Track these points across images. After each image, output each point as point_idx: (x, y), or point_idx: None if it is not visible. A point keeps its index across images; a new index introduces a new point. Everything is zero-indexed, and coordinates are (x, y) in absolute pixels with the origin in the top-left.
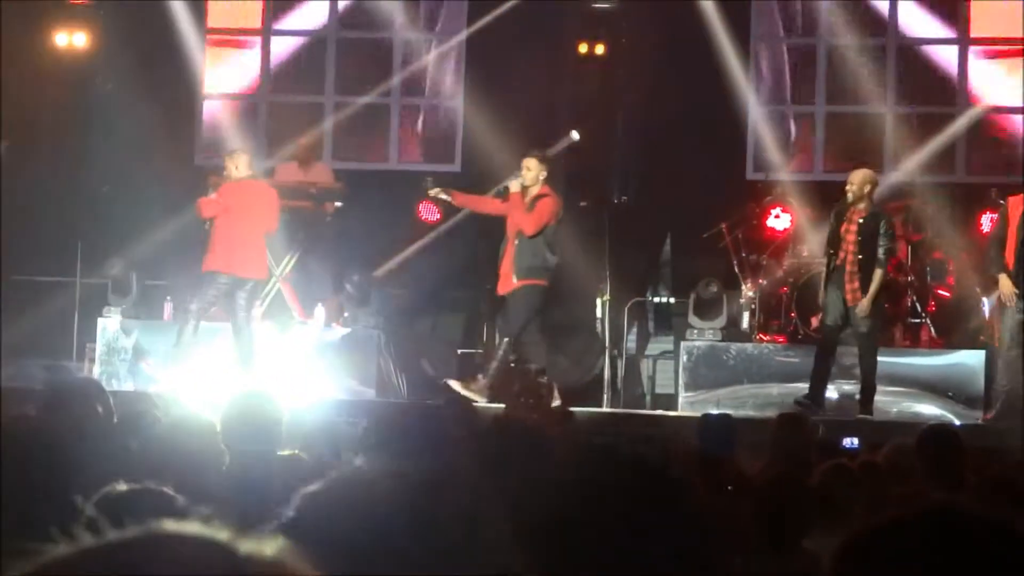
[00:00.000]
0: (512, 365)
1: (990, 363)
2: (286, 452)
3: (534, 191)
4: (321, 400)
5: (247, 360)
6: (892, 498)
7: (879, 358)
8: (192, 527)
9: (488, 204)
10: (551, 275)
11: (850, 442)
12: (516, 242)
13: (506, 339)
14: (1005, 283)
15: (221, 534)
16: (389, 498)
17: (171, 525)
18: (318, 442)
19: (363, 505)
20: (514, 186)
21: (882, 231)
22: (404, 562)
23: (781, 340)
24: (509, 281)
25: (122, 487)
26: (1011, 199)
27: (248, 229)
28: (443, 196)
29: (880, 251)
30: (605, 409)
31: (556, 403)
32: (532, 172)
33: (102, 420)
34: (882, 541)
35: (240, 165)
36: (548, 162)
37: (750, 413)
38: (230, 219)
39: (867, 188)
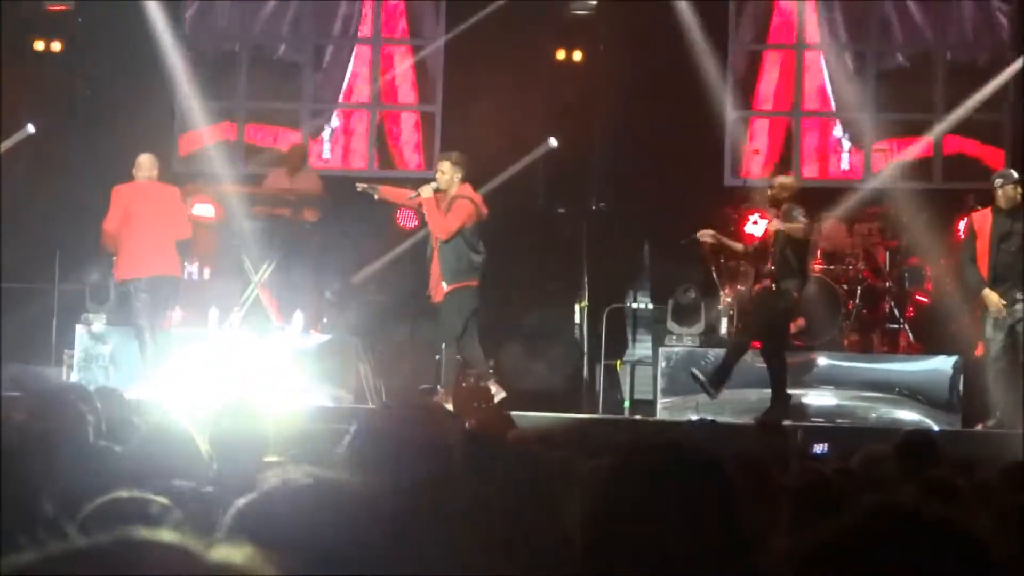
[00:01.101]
0: (462, 370)
1: (965, 369)
2: (272, 459)
3: (452, 193)
4: (304, 407)
5: (153, 363)
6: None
7: (858, 364)
8: (163, 534)
9: (404, 197)
10: (479, 273)
11: (820, 448)
12: (438, 247)
13: (447, 346)
14: (992, 297)
15: (192, 541)
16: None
17: (142, 532)
18: (304, 450)
19: (292, 514)
20: (425, 191)
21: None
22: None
23: (758, 346)
24: (440, 288)
25: (94, 492)
26: (975, 215)
27: (152, 230)
28: (369, 191)
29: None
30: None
31: (500, 395)
32: (446, 175)
33: (91, 426)
34: (837, 542)
35: (141, 168)
36: (462, 164)
37: (728, 419)
38: (132, 223)
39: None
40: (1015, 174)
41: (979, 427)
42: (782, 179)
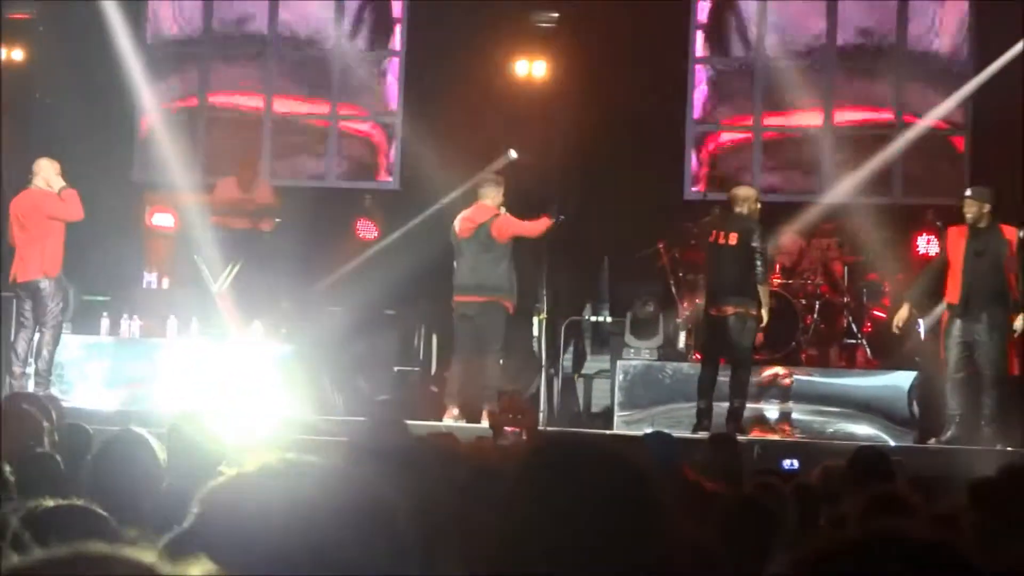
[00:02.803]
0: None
1: (922, 384)
2: (228, 470)
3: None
4: (264, 417)
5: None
6: (825, 518)
7: (816, 379)
8: (118, 548)
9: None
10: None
11: (789, 463)
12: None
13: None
14: (902, 311)
15: (147, 556)
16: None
17: (98, 546)
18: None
19: (268, 497)
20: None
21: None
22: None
23: (723, 361)
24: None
25: (49, 503)
26: (951, 229)
27: (26, 235)
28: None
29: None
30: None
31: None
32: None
33: (46, 434)
34: (830, 564)
35: (39, 174)
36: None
37: (685, 433)
38: (17, 229)
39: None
40: (985, 191)
41: (932, 442)
42: (746, 191)
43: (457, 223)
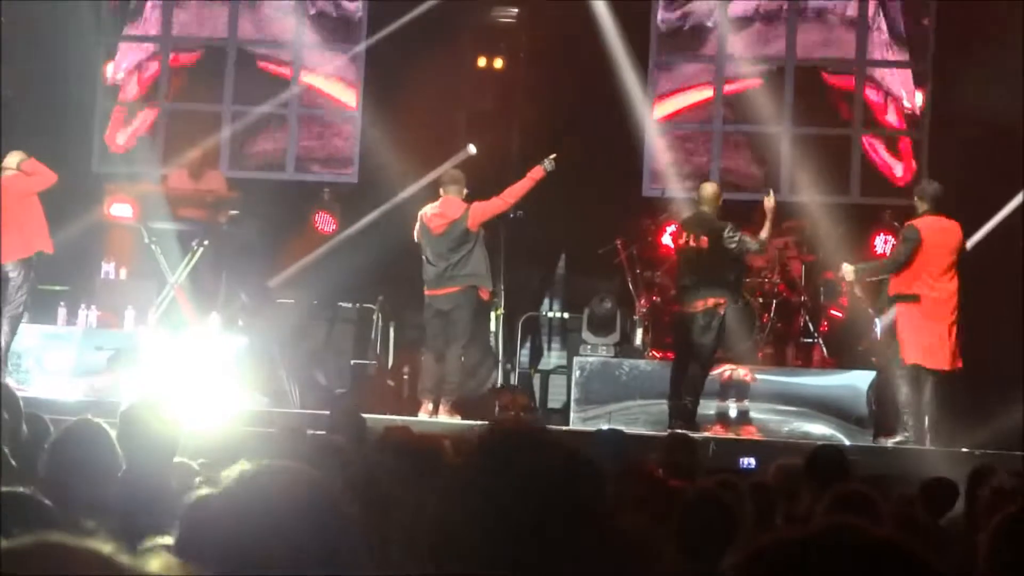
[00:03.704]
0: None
1: (879, 384)
2: (183, 460)
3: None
4: (220, 409)
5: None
6: (781, 516)
7: (772, 377)
8: (77, 539)
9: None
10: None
11: (747, 462)
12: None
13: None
14: (847, 267)
15: (106, 547)
16: (283, 501)
17: (56, 536)
18: (221, 453)
19: (257, 507)
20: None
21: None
22: (297, 563)
23: (673, 357)
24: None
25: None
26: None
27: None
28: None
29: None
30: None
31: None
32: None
33: (5, 424)
34: (781, 557)
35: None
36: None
37: (641, 430)
38: None
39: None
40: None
41: (887, 442)
42: (712, 188)
43: (428, 220)
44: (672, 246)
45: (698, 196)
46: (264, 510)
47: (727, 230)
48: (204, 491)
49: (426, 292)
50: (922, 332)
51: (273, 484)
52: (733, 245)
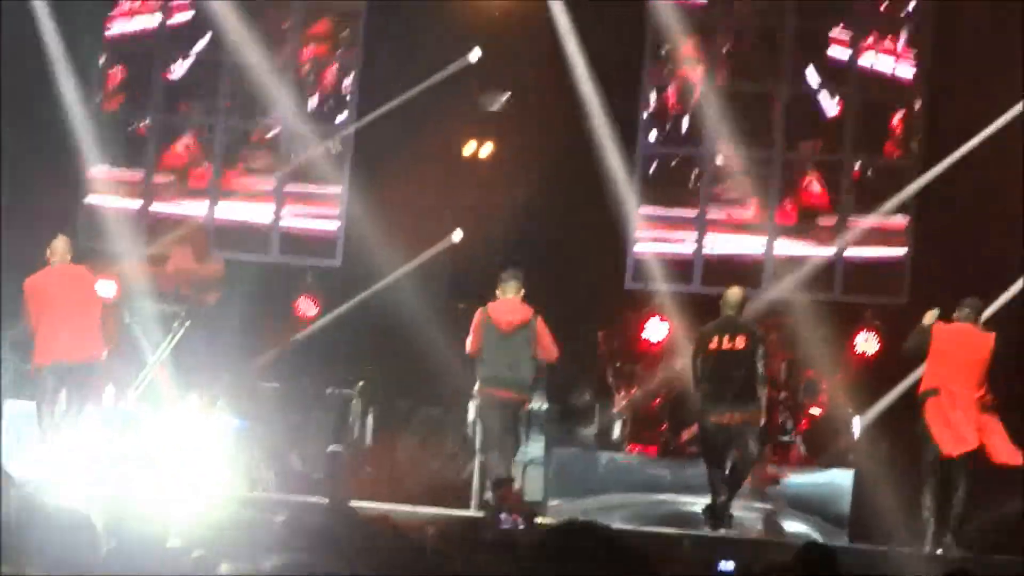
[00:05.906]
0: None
1: (856, 484)
2: (176, 545)
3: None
4: (209, 492)
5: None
6: None
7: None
8: None
9: None
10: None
11: (725, 565)
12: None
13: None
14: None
15: None
16: None
17: None
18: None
19: None
20: None
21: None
22: None
23: (652, 451)
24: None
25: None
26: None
27: (68, 316)
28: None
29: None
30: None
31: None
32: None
33: None
34: None
35: (55, 252)
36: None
37: (617, 524)
38: (49, 308)
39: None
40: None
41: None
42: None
43: (497, 316)
44: (655, 341)
45: (723, 300)
46: None
47: (763, 346)
48: None
49: (489, 389)
50: (948, 421)
51: None
52: (760, 364)
